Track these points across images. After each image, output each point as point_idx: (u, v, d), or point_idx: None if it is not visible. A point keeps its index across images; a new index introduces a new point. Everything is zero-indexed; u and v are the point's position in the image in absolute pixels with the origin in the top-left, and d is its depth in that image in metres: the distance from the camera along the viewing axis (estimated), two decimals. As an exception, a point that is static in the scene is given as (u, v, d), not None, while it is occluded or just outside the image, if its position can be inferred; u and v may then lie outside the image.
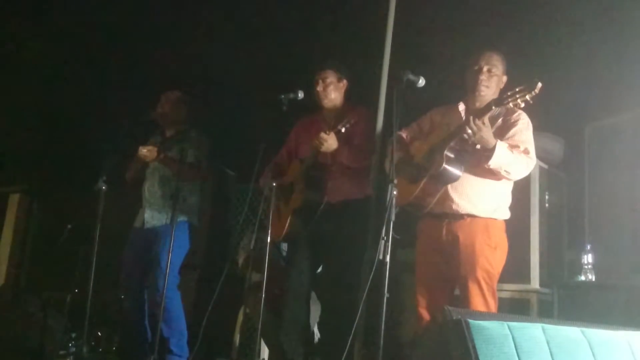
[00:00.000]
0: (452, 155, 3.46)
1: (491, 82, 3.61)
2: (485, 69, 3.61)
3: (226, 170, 5.35)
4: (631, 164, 3.95)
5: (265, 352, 4.52)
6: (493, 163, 3.38)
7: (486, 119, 3.33)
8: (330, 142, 3.91)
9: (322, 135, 3.89)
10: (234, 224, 5.51)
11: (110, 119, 4.91)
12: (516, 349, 2.60)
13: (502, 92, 3.41)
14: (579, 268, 3.97)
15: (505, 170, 3.45)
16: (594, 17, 4.25)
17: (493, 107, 3.34)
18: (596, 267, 3.92)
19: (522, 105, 3.22)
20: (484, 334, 2.59)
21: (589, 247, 3.97)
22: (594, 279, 3.91)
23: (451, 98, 3.80)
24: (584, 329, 2.81)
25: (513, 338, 2.62)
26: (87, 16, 5.52)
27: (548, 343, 2.68)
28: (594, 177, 4.16)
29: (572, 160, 4.29)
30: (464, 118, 3.61)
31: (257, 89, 5.16)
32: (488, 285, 3.48)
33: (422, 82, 3.45)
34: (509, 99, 3.23)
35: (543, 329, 2.72)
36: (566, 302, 3.96)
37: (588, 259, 3.95)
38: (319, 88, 4.18)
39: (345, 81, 4.23)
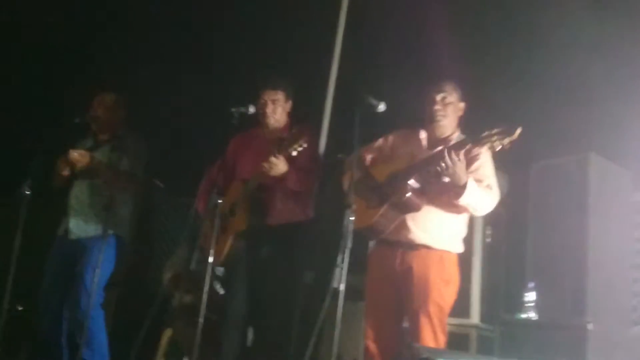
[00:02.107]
0: (416, 186, 3.39)
1: (447, 110, 3.58)
2: (438, 98, 3.57)
3: (155, 181, 5.02)
4: (575, 206, 3.99)
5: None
6: (463, 200, 3.33)
7: (462, 154, 3.26)
8: (280, 166, 3.75)
9: (272, 159, 3.72)
10: (159, 240, 5.21)
11: (38, 119, 4.55)
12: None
13: (475, 131, 3.30)
14: (520, 305, 3.97)
15: (473, 207, 3.41)
16: (547, 58, 4.33)
17: (469, 145, 3.26)
18: (538, 306, 3.92)
19: (498, 148, 3.15)
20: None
21: (530, 285, 3.98)
22: (536, 317, 3.91)
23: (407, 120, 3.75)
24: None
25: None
26: (18, 13, 5.15)
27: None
28: (537, 215, 4.19)
29: (515, 197, 4.30)
30: (425, 146, 3.60)
31: (196, 100, 4.96)
32: (439, 320, 3.42)
33: (382, 107, 3.41)
34: (485, 140, 3.16)
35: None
36: (507, 339, 3.95)
37: (530, 296, 3.96)
38: (268, 109, 4.04)
39: (290, 102, 4.14)
